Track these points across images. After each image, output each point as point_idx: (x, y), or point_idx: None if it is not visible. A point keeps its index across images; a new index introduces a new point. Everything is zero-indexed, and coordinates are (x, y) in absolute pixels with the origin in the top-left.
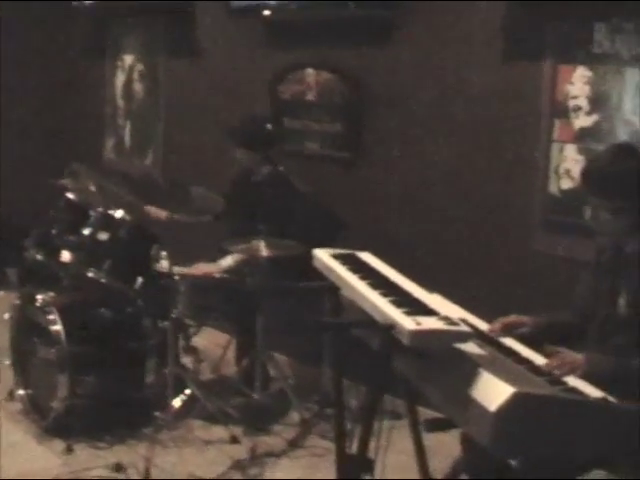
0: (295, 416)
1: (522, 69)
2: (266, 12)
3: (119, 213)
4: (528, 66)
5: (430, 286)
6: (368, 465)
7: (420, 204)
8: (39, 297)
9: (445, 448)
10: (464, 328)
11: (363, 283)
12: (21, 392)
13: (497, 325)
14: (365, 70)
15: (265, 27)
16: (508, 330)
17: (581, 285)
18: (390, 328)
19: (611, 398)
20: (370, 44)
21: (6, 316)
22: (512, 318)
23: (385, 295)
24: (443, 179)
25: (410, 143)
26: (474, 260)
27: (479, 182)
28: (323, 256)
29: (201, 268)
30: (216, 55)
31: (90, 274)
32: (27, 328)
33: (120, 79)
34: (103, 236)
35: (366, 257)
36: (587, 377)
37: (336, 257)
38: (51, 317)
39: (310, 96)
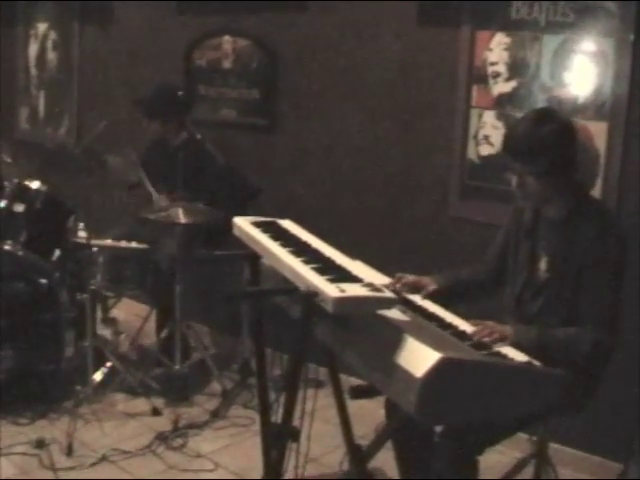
0: (216, 386)
1: (438, 35)
2: None
3: (35, 184)
4: (444, 32)
5: (347, 255)
6: (293, 434)
7: (336, 171)
8: None
9: (368, 415)
10: (388, 294)
11: (285, 250)
12: None
13: (399, 283)
14: (281, 37)
15: None
16: (415, 291)
17: (494, 245)
18: (313, 295)
19: (536, 362)
20: (286, 11)
21: None
22: (411, 278)
23: (307, 262)
24: (359, 146)
25: (326, 110)
26: (392, 227)
27: (396, 149)
28: (243, 224)
29: None
30: (130, 23)
31: (7, 247)
32: None
33: (33, 48)
34: (19, 208)
35: (287, 224)
36: (513, 347)
37: (257, 225)
38: None
39: (226, 63)
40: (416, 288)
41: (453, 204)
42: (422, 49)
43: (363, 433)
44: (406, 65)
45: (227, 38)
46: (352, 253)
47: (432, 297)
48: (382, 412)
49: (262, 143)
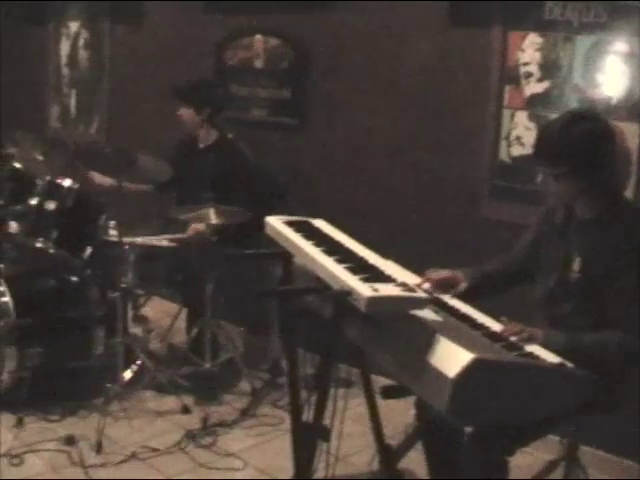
0: (246, 385)
1: (469, 35)
2: None
3: (67, 182)
4: (476, 32)
5: (378, 254)
6: (324, 433)
7: (366, 171)
8: None
9: (397, 415)
10: (421, 294)
11: (318, 250)
12: None
13: (428, 282)
14: (312, 36)
15: None
16: (445, 289)
17: (520, 244)
18: (346, 295)
19: (568, 363)
20: (317, 10)
21: None
22: (443, 274)
23: (341, 262)
24: (389, 145)
25: (356, 109)
26: (422, 227)
27: (427, 149)
28: (276, 223)
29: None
30: (160, 21)
31: (38, 244)
32: None
33: (65, 47)
34: (51, 206)
35: (319, 224)
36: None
37: (289, 224)
38: None
39: (258, 63)
40: (447, 286)
41: (484, 204)
42: (453, 49)
43: (392, 433)
44: (437, 65)
45: (258, 37)
46: (382, 252)
47: (461, 295)
48: (411, 412)
49: (292, 142)
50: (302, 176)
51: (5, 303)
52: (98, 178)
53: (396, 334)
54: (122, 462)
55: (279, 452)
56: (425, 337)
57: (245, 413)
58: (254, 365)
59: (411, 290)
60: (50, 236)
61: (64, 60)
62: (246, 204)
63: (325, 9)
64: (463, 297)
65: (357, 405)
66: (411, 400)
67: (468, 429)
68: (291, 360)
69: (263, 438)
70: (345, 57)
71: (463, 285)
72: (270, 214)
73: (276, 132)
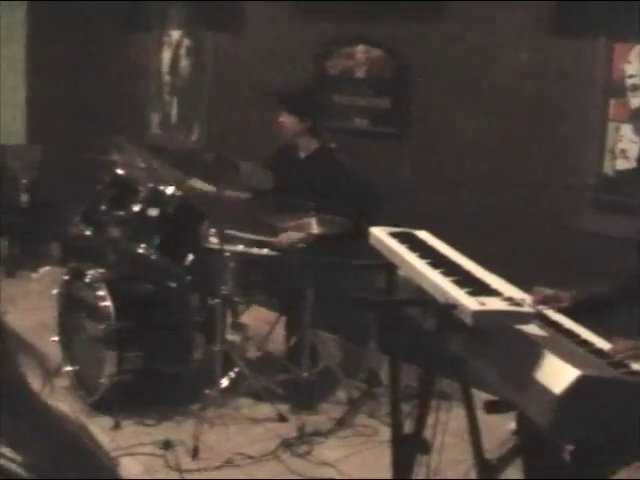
0: (342, 395)
1: (573, 44)
2: None
3: (169, 189)
4: (579, 42)
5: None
6: (424, 446)
7: (465, 181)
8: (89, 273)
9: (493, 428)
10: (528, 309)
11: (423, 262)
12: (68, 368)
13: (539, 297)
14: (414, 46)
15: (311, 1)
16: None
17: (631, 262)
18: (452, 308)
19: None
20: (418, 19)
21: (54, 292)
22: (550, 292)
23: (446, 274)
24: (489, 155)
25: (456, 119)
26: (520, 238)
27: (526, 159)
28: (380, 234)
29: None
30: (262, 30)
31: (140, 250)
32: (74, 304)
33: (167, 54)
34: (153, 212)
35: (423, 235)
36: None
37: (393, 235)
38: (100, 293)
39: (359, 72)
40: (550, 303)
41: (585, 216)
42: (556, 59)
43: (487, 447)
44: (539, 75)
45: (361, 47)
46: (479, 263)
47: (563, 311)
48: (507, 427)
49: (393, 152)
50: (402, 185)
51: (106, 307)
52: (199, 185)
53: (501, 348)
54: (218, 468)
55: (374, 463)
56: (531, 352)
57: (341, 423)
58: (351, 375)
59: (517, 304)
60: (152, 242)
61: (165, 68)
62: (346, 214)
63: (426, 19)
64: (565, 313)
65: (453, 418)
66: (507, 415)
67: (570, 447)
68: (393, 372)
69: (358, 448)
70: (446, 67)
71: (566, 303)
72: (370, 224)
73: (377, 141)
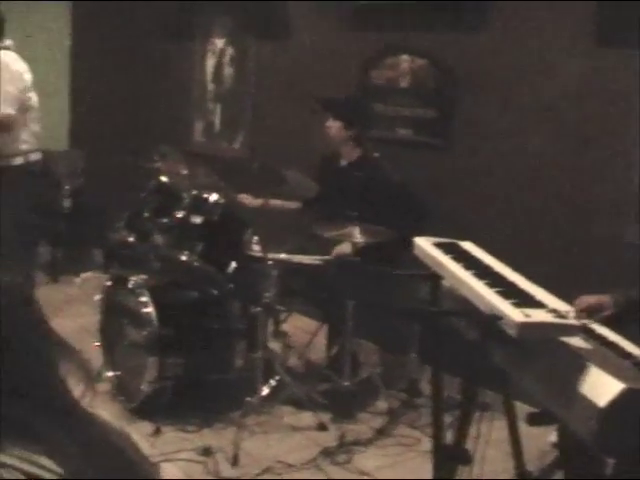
0: (382, 404)
1: (618, 56)
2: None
3: (213, 197)
4: (625, 53)
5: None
6: (465, 456)
7: (510, 192)
8: (131, 279)
9: (533, 440)
10: (573, 321)
11: (468, 273)
12: (109, 374)
13: (582, 305)
14: (458, 56)
15: (355, 11)
16: (591, 314)
17: None
18: (497, 319)
19: None
20: (463, 30)
21: (96, 298)
22: (592, 299)
23: (491, 285)
24: (534, 167)
25: (501, 132)
26: (565, 250)
27: (572, 171)
28: (425, 244)
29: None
30: (306, 38)
31: (183, 257)
32: (116, 310)
33: (210, 62)
34: (196, 219)
35: (467, 246)
36: None
37: (438, 246)
38: (143, 299)
39: (403, 82)
40: (593, 311)
41: (631, 230)
42: (602, 70)
43: (528, 459)
44: (585, 87)
45: (405, 57)
46: (524, 275)
47: (606, 320)
48: (548, 439)
49: (437, 162)
50: (446, 196)
51: (148, 313)
52: (247, 200)
53: (544, 360)
54: (257, 475)
55: (414, 473)
56: (575, 364)
57: (381, 432)
58: (391, 384)
59: (562, 317)
60: (195, 249)
61: (209, 76)
62: (389, 223)
63: (470, 28)
64: (608, 323)
65: (494, 429)
66: (547, 427)
67: (612, 461)
68: (435, 382)
69: (398, 458)
70: (491, 78)
71: (609, 311)
72: (413, 234)
73: (420, 152)
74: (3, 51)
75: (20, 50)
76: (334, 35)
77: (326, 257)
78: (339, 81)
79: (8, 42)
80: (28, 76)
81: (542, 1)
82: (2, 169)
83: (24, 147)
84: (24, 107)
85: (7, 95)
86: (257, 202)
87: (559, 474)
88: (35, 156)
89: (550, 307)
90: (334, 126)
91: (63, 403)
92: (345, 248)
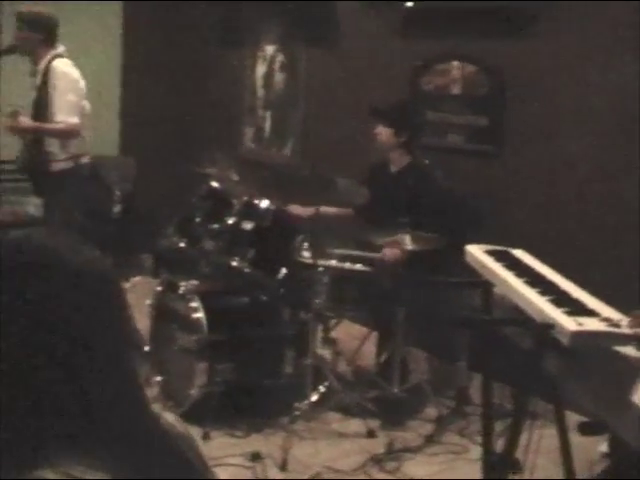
0: (431, 411)
1: None
2: (409, 3)
3: (264, 203)
4: None
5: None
6: (516, 465)
7: (562, 200)
8: (182, 284)
9: (581, 449)
10: (626, 330)
11: (520, 281)
12: (157, 378)
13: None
14: (509, 62)
15: (405, 17)
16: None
17: None
18: (549, 328)
19: None
20: (514, 36)
21: (146, 303)
22: None
23: (543, 294)
24: (586, 174)
25: (554, 137)
26: (616, 258)
27: (623, 178)
28: (476, 252)
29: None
30: (356, 45)
31: (233, 263)
32: (167, 315)
33: (261, 69)
34: (247, 225)
35: (519, 254)
36: None
37: (489, 253)
38: (193, 305)
39: (454, 89)
40: None
41: None
42: None
43: (578, 468)
44: (634, 90)
45: (455, 64)
46: (577, 284)
47: None
48: (598, 448)
49: (488, 169)
50: (497, 203)
51: (198, 319)
52: (298, 210)
53: (597, 369)
54: None
55: None
56: (627, 374)
57: (430, 440)
58: (440, 392)
59: (615, 325)
60: (246, 255)
61: (259, 82)
62: (440, 231)
63: (521, 35)
64: None
65: (545, 438)
66: (598, 436)
67: None
68: (485, 390)
69: (447, 466)
70: (542, 83)
71: None
72: (465, 242)
73: (472, 159)
74: (59, 59)
75: (72, 56)
76: (384, 41)
77: (372, 255)
78: (389, 87)
79: (61, 49)
80: (83, 83)
81: (589, 7)
82: (53, 172)
83: (74, 151)
84: (81, 114)
85: (71, 104)
86: (308, 212)
87: None
88: (84, 160)
89: (603, 316)
90: (384, 133)
91: (138, 408)
92: (395, 251)
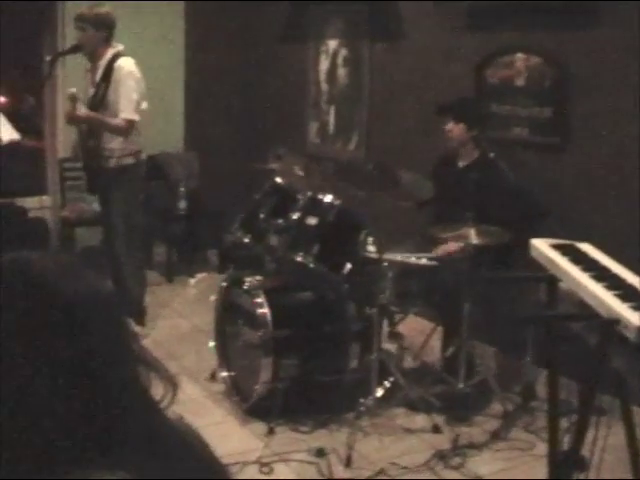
0: (497, 407)
1: None
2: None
3: (328, 198)
4: None
5: None
6: (582, 463)
7: (628, 193)
8: (247, 280)
9: None
10: None
11: (586, 275)
12: (224, 374)
13: None
14: (573, 54)
15: (468, 11)
16: None
17: None
18: (615, 323)
19: None
20: (577, 27)
21: (212, 298)
22: None
23: (609, 288)
24: None
25: (621, 129)
26: None
27: None
28: (541, 246)
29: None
30: (420, 40)
31: (298, 258)
32: (232, 310)
33: (324, 64)
34: (312, 221)
35: (586, 248)
36: None
37: (555, 247)
38: (258, 300)
39: (519, 81)
40: None
41: None
42: None
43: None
44: None
45: (520, 56)
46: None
47: None
48: None
49: (553, 162)
50: (562, 196)
51: (264, 314)
52: (450, 248)
53: None
54: (370, 477)
55: (528, 477)
56: None
57: (496, 436)
58: (506, 387)
59: None
60: (310, 251)
61: (323, 77)
62: (506, 224)
63: (586, 25)
64: None
65: (612, 435)
66: None
67: None
68: (552, 386)
69: (513, 463)
70: (607, 74)
71: None
72: (530, 236)
73: (537, 151)
74: (124, 58)
75: (136, 55)
76: (448, 35)
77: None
78: (453, 81)
79: (120, 46)
80: (143, 82)
81: None
82: (114, 169)
83: (134, 148)
84: (140, 111)
85: (134, 102)
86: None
87: None
88: (143, 156)
89: None
90: (456, 129)
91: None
92: (450, 247)
